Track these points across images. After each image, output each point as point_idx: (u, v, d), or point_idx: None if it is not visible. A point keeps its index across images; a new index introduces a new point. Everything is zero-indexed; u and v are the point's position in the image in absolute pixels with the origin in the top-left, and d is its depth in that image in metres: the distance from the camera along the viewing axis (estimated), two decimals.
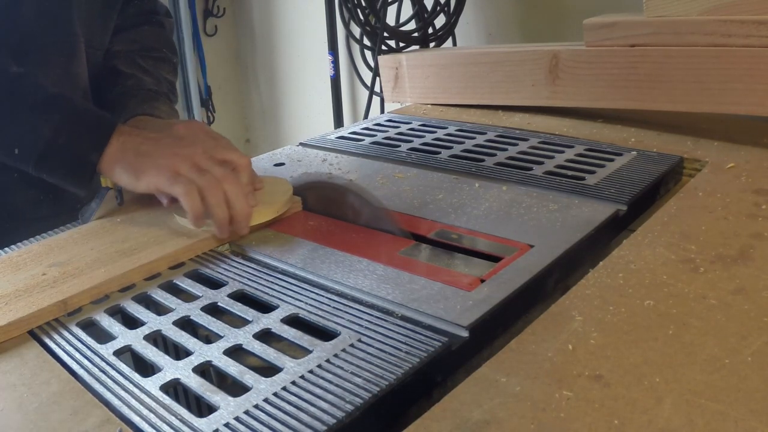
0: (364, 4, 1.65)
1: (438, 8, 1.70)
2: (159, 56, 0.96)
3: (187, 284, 0.62)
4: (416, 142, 0.99)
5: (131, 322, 0.56)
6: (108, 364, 0.50)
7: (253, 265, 0.64)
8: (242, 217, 0.69)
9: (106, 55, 0.93)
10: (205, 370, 0.49)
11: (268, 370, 0.48)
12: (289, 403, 0.44)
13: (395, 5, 1.81)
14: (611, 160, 0.85)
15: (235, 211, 0.68)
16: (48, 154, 0.72)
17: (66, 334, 0.55)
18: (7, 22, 0.78)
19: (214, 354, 0.50)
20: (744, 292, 0.54)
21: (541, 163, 0.86)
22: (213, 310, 0.57)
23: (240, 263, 0.65)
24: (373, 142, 1.01)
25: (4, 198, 0.86)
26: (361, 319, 0.53)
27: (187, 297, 0.60)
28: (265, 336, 0.53)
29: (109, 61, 0.93)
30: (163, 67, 0.96)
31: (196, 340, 0.53)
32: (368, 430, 0.44)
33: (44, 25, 0.80)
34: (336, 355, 0.48)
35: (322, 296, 0.57)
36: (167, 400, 0.46)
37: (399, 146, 0.98)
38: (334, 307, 0.55)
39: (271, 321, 0.54)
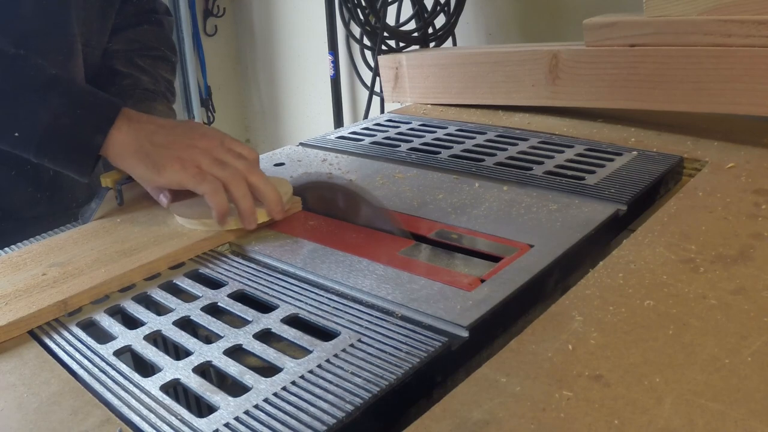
0: (364, 4, 1.65)
1: (438, 8, 1.70)
2: (157, 55, 0.96)
3: (187, 284, 0.62)
4: (416, 142, 0.99)
5: (131, 322, 0.56)
6: (108, 364, 0.50)
7: (253, 265, 0.64)
8: (275, 203, 0.69)
9: (105, 54, 0.93)
10: (205, 370, 0.49)
11: (268, 370, 0.48)
12: (289, 403, 0.44)
13: (395, 5, 1.81)
14: (611, 160, 0.85)
15: (267, 198, 0.69)
16: (49, 137, 0.69)
17: (66, 334, 0.55)
18: (6, 21, 0.78)
19: (214, 354, 0.50)
20: (744, 292, 0.54)
21: (541, 163, 0.86)
22: (213, 310, 0.57)
23: (240, 263, 0.65)
24: (373, 142, 1.01)
25: (1, 197, 0.86)
26: (361, 319, 0.53)
27: (187, 297, 0.60)
28: (265, 336, 0.53)
29: (107, 60, 0.93)
30: (161, 66, 0.96)
31: (196, 340, 0.53)
32: (368, 430, 0.44)
33: (42, 24, 0.80)
34: (336, 355, 0.48)
35: (322, 296, 0.57)
36: (167, 400, 0.46)
37: (399, 146, 0.98)
38: (334, 307, 0.55)
39: (271, 321, 0.54)
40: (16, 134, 0.70)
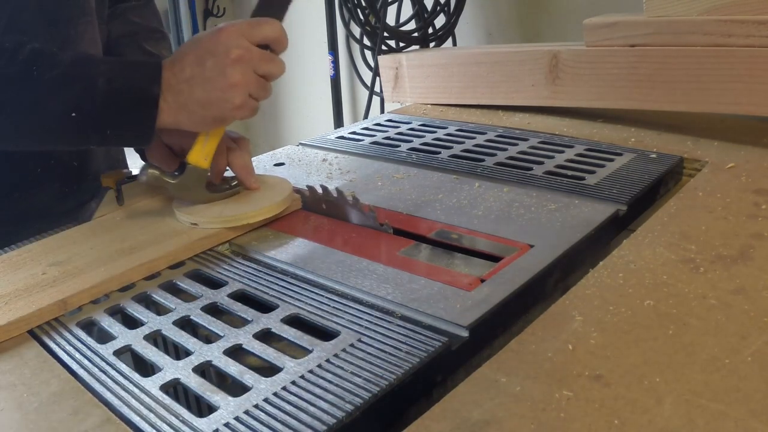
0: (364, 4, 1.65)
1: (438, 8, 1.70)
2: (159, 37, 0.98)
3: (187, 284, 0.62)
4: (416, 142, 0.99)
5: (131, 322, 0.56)
6: (108, 364, 0.50)
7: (253, 265, 0.64)
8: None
9: (110, 43, 0.93)
10: (205, 370, 0.49)
11: (268, 370, 0.48)
12: (289, 403, 0.44)
13: (395, 5, 1.81)
14: (611, 160, 0.85)
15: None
16: (108, 101, 0.69)
17: (66, 333, 0.55)
18: (12, 14, 0.77)
19: (214, 354, 0.50)
20: (744, 292, 0.54)
21: (541, 163, 0.86)
22: (213, 309, 0.57)
23: (240, 263, 0.65)
24: (373, 142, 1.01)
25: (30, 196, 0.85)
26: (361, 319, 0.53)
27: (187, 297, 0.60)
28: (265, 336, 0.53)
29: (115, 51, 0.93)
30: (163, 46, 0.97)
31: (196, 340, 0.53)
32: (368, 430, 0.44)
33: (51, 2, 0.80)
34: (336, 355, 0.48)
35: (322, 296, 0.57)
36: (167, 400, 0.46)
37: (399, 146, 0.98)
38: (334, 307, 0.55)
39: (271, 321, 0.54)
40: (74, 114, 0.69)
